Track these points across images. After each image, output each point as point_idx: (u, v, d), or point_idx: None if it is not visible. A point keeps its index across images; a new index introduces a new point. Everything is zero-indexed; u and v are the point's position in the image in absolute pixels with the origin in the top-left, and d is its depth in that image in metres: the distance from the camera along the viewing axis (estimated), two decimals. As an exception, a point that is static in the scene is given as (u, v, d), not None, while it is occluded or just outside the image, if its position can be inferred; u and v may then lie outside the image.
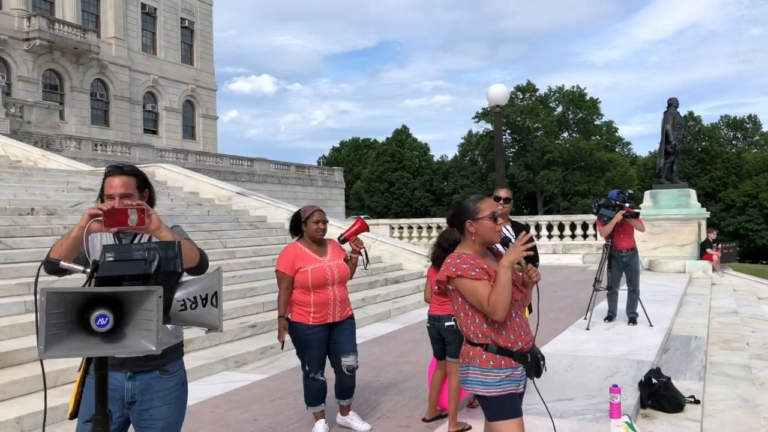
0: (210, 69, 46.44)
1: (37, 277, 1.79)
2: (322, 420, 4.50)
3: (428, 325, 4.78)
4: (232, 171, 32.69)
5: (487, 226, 2.84)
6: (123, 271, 1.72)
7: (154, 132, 41.34)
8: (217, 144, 46.06)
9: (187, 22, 44.13)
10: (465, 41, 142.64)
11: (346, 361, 4.46)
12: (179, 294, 1.80)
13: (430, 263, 4.94)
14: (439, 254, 4.57)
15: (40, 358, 1.60)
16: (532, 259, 2.85)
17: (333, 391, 4.57)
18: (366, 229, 4.71)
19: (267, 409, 5.10)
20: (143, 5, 40.75)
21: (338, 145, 79.92)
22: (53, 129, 25.92)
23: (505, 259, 2.71)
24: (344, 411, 4.65)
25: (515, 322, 2.83)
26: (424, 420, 4.78)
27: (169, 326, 2.46)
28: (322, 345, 4.41)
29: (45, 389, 1.93)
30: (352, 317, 4.62)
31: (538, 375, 2.86)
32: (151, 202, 2.83)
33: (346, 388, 4.55)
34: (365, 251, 4.68)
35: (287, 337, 4.48)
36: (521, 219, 17.60)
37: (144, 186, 2.78)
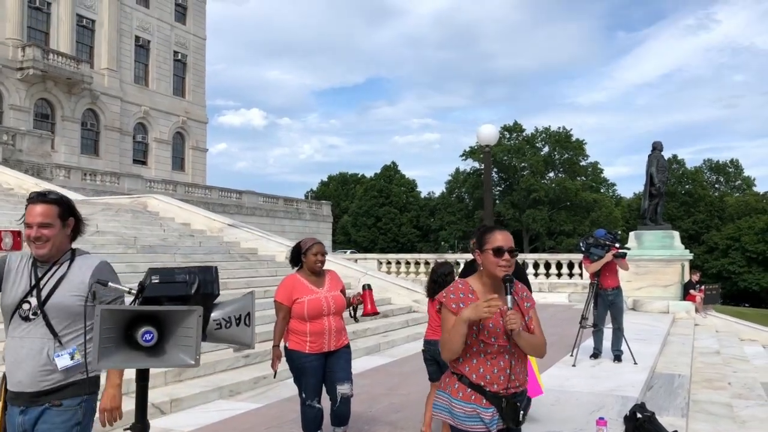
0: (201, 101, 46.86)
1: (87, 296, 1.97)
2: None
3: (423, 348, 5.09)
4: (221, 203, 32.85)
5: (489, 259, 2.77)
6: (167, 293, 1.90)
7: (144, 162, 41.46)
8: (206, 176, 46.25)
9: (180, 55, 44.64)
10: (453, 80, 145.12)
11: (341, 389, 4.58)
12: (215, 314, 1.98)
13: (427, 299, 5.20)
14: (433, 288, 4.89)
15: (93, 368, 1.78)
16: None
17: (329, 419, 4.69)
18: (371, 312, 4.92)
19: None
20: (137, 38, 41.23)
21: (326, 180, 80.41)
22: (44, 158, 26.02)
23: (464, 313, 2.62)
24: None
25: (499, 365, 2.71)
26: None
27: (69, 362, 2.51)
28: (318, 373, 4.54)
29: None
30: (347, 346, 4.76)
31: (516, 424, 2.72)
32: (77, 231, 2.80)
33: (340, 415, 4.65)
34: (355, 308, 4.88)
35: (283, 366, 4.64)
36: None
37: (68, 214, 2.73)
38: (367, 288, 4.92)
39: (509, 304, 2.66)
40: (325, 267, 4.82)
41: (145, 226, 14.68)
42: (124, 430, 2.01)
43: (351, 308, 4.86)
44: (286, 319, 4.57)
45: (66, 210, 2.71)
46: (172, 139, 43.73)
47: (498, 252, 2.74)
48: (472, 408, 2.68)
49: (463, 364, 2.74)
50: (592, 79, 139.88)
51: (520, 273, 5.73)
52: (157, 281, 1.91)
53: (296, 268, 4.76)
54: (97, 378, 2.63)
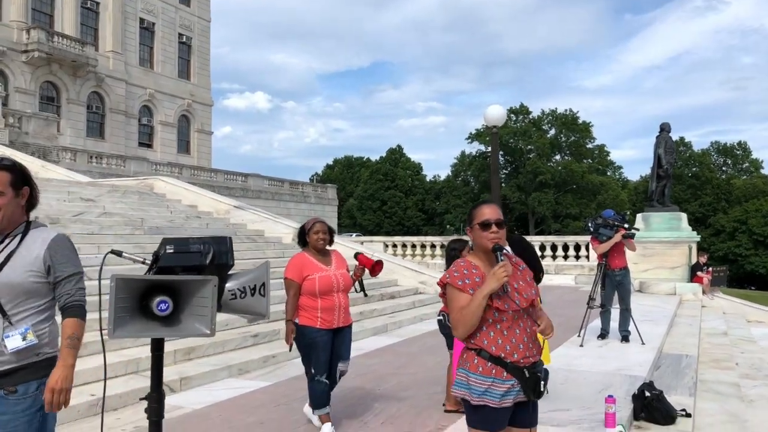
0: (206, 84, 46.77)
1: (102, 265, 1.96)
2: (329, 423, 4.66)
3: (440, 318, 5.34)
4: (227, 186, 32.86)
5: (478, 234, 2.82)
6: (181, 262, 1.89)
7: (149, 146, 41.50)
8: (211, 159, 46.29)
9: (184, 37, 44.51)
10: (458, 63, 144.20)
11: (342, 366, 4.77)
12: (230, 285, 1.98)
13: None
14: (449, 262, 5.09)
15: (109, 337, 1.77)
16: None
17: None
18: (376, 270, 4.94)
19: (273, 413, 5.24)
20: (142, 20, 41.11)
21: (331, 163, 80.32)
22: (50, 140, 26.06)
23: (486, 287, 2.66)
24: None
25: (515, 333, 2.71)
26: (445, 409, 5.23)
27: (21, 344, 2.32)
28: (328, 348, 4.64)
29: (105, 375, 2.09)
30: (351, 325, 4.90)
31: (537, 395, 2.72)
32: (33, 200, 2.58)
33: (330, 392, 4.81)
34: (361, 281, 4.96)
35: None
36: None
37: (22, 183, 2.52)
38: (358, 254, 5.00)
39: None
40: (331, 248, 4.92)
41: (152, 208, 14.70)
42: (140, 399, 2.00)
43: (357, 284, 4.94)
44: (296, 296, 4.64)
45: (19, 178, 2.50)
46: (177, 122, 43.71)
47: (485, 225, 2.78)
48: (490, 382, 2.68)
49: (480, 338, 2.73)
50: (599, 62, 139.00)
51: (529, 252, 5.73)
52: (171, 251, 1.91)
53: (303, 248, 4.86)
54: (55, 358, 2.38)
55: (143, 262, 1.97)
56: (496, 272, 2.64)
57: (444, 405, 5.35)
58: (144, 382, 5.73)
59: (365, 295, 5.16)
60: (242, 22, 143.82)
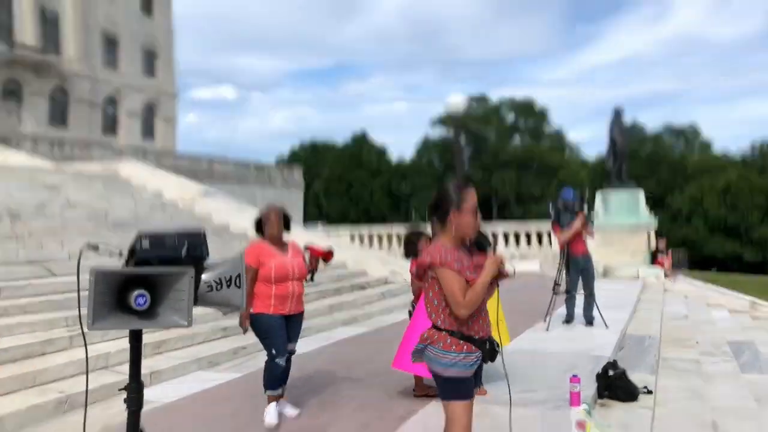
0: (171, 80, 46.51)
1: (80, 259, 1.98)
2: (275, 403, 4.87)
3: (410, 309, 5.47)
4: (192, 170, 32.31)
5: (466, 220, 2.98)
6: (157, 255, 1.93)
7: (113, 133, 40.83)
8: (175, 145, 45.70)
9: (149, 45, 43.96)
10: (421, 64, 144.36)
11: (290, 346, 4.94)
12: (206, 276, 2.01)
13: (409, 260, 5.51)
14: (412, 249, 5.30)
15: (88, 329, 1.80)
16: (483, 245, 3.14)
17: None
18: (328, 258, 5.17)
19: (244, 404, 5.27)
20: (104, 30, 40.49)
21: (296, 149, 79.86)
22: (11, 128, 25.51)
23: (488, 273, 2.93)
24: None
25: (480, 313, 3.02)
26: (415, 395, 5.37)
27: None
28: (284, 329, 4.81)
29: (87, 369, 2.12)
30: (302, 313, 5.06)
31: (493, 359, 3.05)
32: None
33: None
34: (314, 272, 5.13)
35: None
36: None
37: None
38: (308, 245, 5.19)
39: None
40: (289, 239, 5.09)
41: (116, 197, 14.45)
42: (119, 390, 2.04)
43: (310, 273, 5.09)
44: (253, 280, 4.74)
45: None
46: (142, 112, 43.14)
47: (472, 211, 2.99)
48: (463, 356, 2.96)
49: (454, 319, 2.96)
50: (556, 62, 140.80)
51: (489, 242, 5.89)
52: (147, 244, 1.94)
53: (260, 237, 5.01)
54: None
55: (119, 255, 2.00)
56: (496, 260, 2.96)
57: (414, 391, 5.45)
58: (113, 377, 5.71)
59: (312, 279, 5.24)
60: (208, 31, 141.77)
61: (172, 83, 46.18)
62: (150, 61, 44.13)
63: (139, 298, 1.86)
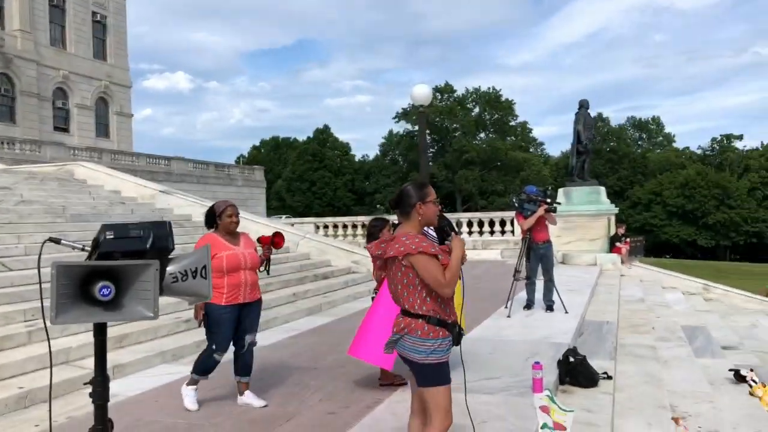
0: (124, 65, 44.98)
1: (41, 253, 1.95)
2: (195, 387, 4.96)
3: (373, 296, 5.50)
4: (149, 170, 31.90)
5: (432, 209, 3.23)
6: (122, 248, 1.91)
7: (65, 130, 39.65)
8: (132, 142, 44.70)
9: (99, 15, 42.52)
10: (384, 41, 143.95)
11: (249, 338, 5.00)
12: (171, 268, 2.01)
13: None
14: (375, 236, 5.30)
15: (51, 323, 1.78)
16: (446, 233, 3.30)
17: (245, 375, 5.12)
18: (278, 242, 5.23)
19: (209, 396, 5.24)
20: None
21: (258, 144, 79.14)
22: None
23: (460, 250, 3.17)
24: (243, 388, 5.07)
25: (450, 298, 3.19)
26: (380, 383, 5.43)
27: None
28: (232, 324, 4.88)
29: (51, 362, 2.09)
30: (260, 300, 5.12)
31: (459, 343, 3.22)
32: None
33: (245, 363, 5.05)
34: (268, 261, 5.20)
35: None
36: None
37: None
38: (259, 238, 5.26)
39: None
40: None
41: (73, 195, 14.19)
42: (84, 384, 2.02)
43: (264, 264, 5.16)
44: None
45: None
46: (94, 105, 41.92)
47: (435, 202, 3.27)
48: (440, 342, 3.11)
49: (430, 304, 3.12)
50: (521, 39, 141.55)
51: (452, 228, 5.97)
52: (111, 237, 1.92)
53: (212, 229, 5.04)
54: None
55: (82, 249, 1.97)
56: (462, 240, 3.27)
57: (380, 380, 5.49)
58: (74, 372, 5.63)
59: (268, 273, 5.29)
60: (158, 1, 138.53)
61: (126, 66, 44.86)
62: (100, 39, 42.78)
63: (103, 289, 1.84)
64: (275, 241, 5.21)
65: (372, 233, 5.54)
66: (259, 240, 5.22)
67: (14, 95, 36.29)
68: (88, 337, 6.35)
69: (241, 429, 4.50)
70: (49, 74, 38.36)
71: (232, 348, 5.02)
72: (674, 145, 74.04)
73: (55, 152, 27.89)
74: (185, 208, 14.93)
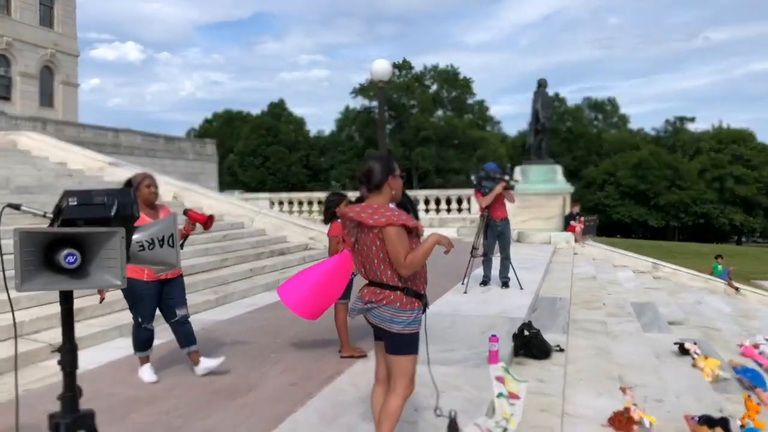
0: (72, 33, 43.38)
1: (0, 219, 1.90)
2: (148, 364, 4.99)
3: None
4: (96, 142, 30.84)
5: (400, 183, 3.32)
6: (85, 215, 1.88)
7: (7, 98, 38.16)
8: (77, 113, 43.26)
9: (46, -19, 40.97)
10: (342, 16, 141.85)
11: (180, 311, 5.02)
12: (137, 236, 1.98)
13: (328, 225, 5.74)
14: (326, 214, 5.62)
15: (18, 291, 1.75)
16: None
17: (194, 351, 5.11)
18: (208, 225, 5.19)
19: (169, 368, 5.22)
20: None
21: (210, 118, 77.65)
22: None
23: (430, 247, 3.18)
24: (195, 358, 5.07)
25: (424, 270, 3.29)
26: (341, 356, 5.50)
27: None
28: (155, 300, 4.93)
29: (15, 333, 2.04)
30: (182, 276, 5.14)
31: (424, 312, 3.30)
32: None
33: (187, 333, 5.08)
34: (185, 237, 5.11)
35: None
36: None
37: None
38: (187, 210, 5.19)
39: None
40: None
41: (17, 166, 13.74)
42: (52, 351, 1.99)
43: (182, 239, 5.06)
44: None
45: None
46: (39, 74, 40.45)
47: (401, 176, 3.33)
48: (416, 312, 3.20)
49: (408, 278, 3.18)
50: (479, 18, 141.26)
51: (412, 204, 6.05)
52: (75, 203, 1.88)
53: None
54: None
55: (44, 215, 1.93)
56: (441, 237, 3.27)
57: (339, 352, 5.54)
58: (28, 346, 5.52)
59: (181, 248, 5.21)
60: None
61: (73, 35, 43.37)
62: (47, 6, 41.17)
63: (69, 256, 1.82)
64: (207, 223, 5.14)
65: (329, 207, 5.60)
66: (185, 213, 5.13)
67: (-48, 61, 34.77)
68: (42, 311, 6.23)
69: (203, 399, 4.50)
70: (-8, 40, 36.84)
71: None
72: (629, 126, 75.54)
73: (-5, 122, 26.84)
74: (138, 181, 14.60)
